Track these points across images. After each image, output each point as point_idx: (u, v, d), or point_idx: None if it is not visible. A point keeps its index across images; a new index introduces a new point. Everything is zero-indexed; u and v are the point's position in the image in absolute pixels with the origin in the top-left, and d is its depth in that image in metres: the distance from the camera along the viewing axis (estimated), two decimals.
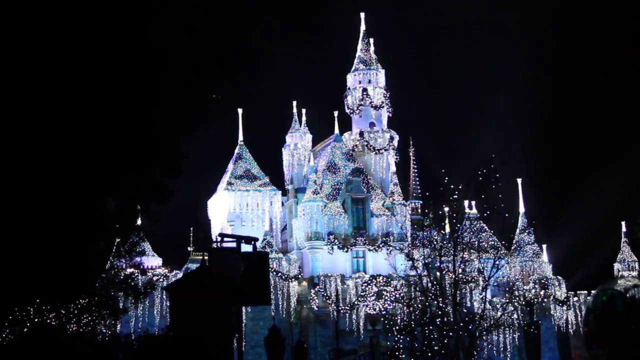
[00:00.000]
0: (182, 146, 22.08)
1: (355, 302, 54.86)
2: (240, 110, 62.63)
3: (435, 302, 44.96)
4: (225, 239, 17.70)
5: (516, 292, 55.16)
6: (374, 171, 62.08)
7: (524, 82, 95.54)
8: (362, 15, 65.89)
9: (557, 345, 59.07)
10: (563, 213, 78.43)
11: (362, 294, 55.06)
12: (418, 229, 56.75)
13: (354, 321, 54.75)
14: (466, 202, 51.72)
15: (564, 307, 60.41)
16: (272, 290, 49.88)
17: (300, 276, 56.10)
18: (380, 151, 62.16)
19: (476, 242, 46.39)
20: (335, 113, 63.18)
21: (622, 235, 66.65)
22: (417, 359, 46.28)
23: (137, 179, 21.57)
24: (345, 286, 55.44)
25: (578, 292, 62.05)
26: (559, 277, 61.20)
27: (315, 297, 54.82)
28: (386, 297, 54.53)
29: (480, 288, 48.20)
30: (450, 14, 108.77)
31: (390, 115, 64.35)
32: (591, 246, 70.57)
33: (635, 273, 65.59)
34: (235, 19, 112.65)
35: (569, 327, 60.36)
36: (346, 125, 64.55)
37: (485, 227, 56.29)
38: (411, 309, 48.02)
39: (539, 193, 75.65)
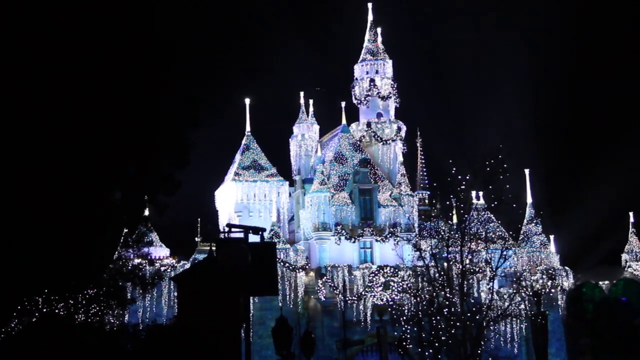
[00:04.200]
0: (189, 137, 22.08)
1: (363, 293, 54.89)
2: (247, 101, 62.59)
3: (443, 293, 45.01)
4: (233, 230, 17.72)
5: (523, 283, 55.12)
6: (381, 162, 62.02)
7: (532, 72, 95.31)
8: (370, 5, 65.72)
9: (564, 336, 59.03)
10: (570, 203, 78.34)
11: (370, 284, 55.08)
12: (425, 220, 56.78)
13: (361, 312, 54.78)
14: (473, 193, 51.74)
15: None
16: (279, 280, 49.96)
17: (307, 267, 56.14)
18: (388, 142, 62.06)
19: (483, 233, 46.40)
20: (343, 104, 63.14)
21: (630, 226, 66.51)
22: (424, 349, 46.37)
23: (144, 170, 21.59)
24: (352, 277, 55.47)
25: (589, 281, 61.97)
26: (567, 268, 61.08)
27: (323, 288, 54.86)
28: (393, 288, 54.53)
29: (488, 278, 48.20)
30: (458, 4, 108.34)
31: (398, 105, 64.24)
32: (599, 237, 70.49)
33: None
34: (242, 10, 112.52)
35: None
36: (353, 116, 64.52)
37: (493, 218, 56.25)
38: (418, 299, 48.07)
39: (547, 183, 75.51)
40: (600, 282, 61.34)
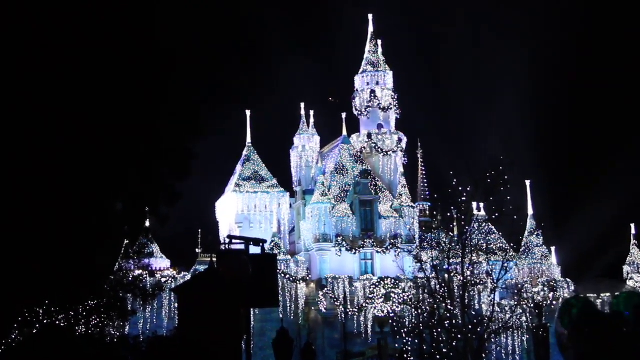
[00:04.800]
0: (190, 147, 22.04)
1: (364, 304, 54.78)
2: (248, 112, 62.73)
3: (444, 305, 44.83)
4: (234, 241, 17.68)
5: (525, 295, 54.96)
6: (382, 173, 62.00)
7: (532, 83, 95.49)
8: (370, 16, 65.89)
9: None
10: (572, 215, 78.26)
11: (370, 296, 54.97)
12: (426, 231, 56.66)
13: (362, 323, 54.67)
14: (474, 204, 51.63)
15: None
16: (280, 292, 49.87)
17: (308, 278, 56.06)
18: (388, 153, 62.09)
19: (485, 244, 46.24)
20: (343, 115, 63.23)
21: (632, 238, 66.39)
22: None
23: (145, 180, 21.54)
24: (353, 288, 55.37)
25: (587, 294, 61.81)
26: (568, 280, 61.00)
27: (324, 299, 54.75)
28: (394, 299, 54.43)
29: (489, 290, 48.09)
30: (458, 16, 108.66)
31: (398, 116, 64.33)
32: (600, 248, 70.41)
33: None
34: (244, 21, 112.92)
35: None
36: (354, 127, 64.58)
37: (494, 229, 56.07)
38: (419, 311, 47.91)
39: (548, 195, 75.47)
40: (602, 295, 61.22)
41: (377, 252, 57.77)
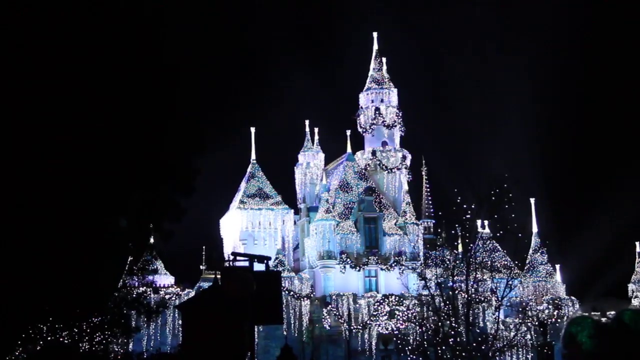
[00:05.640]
0: (194, 164, 22.11)
1: (368, 322, 54.65)
2: (252, 129, 62.86)
3: (448, 322, 44.74)
4: (238, 258, 17.68)
5: (529, 313, 54.82)
6: (387, 190, 62.02)
7: (537, 101, 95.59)
8: (375, 34, 66.12)
9: None
10: (576, 233, 78.07)
11: (375, 313, 54.85)
12: (430, 248, 56.61)
13: (366, 341, 54.51)
14: (479, 222, 51.62)
15: None
16: (284, 309, 49.75)
17: (312, 295, 55.97)
18: (393, 170, 62.12)
19: (489, 262, 46.22)
20: (348, 132, 63.28)
21: (637, 256, 66.17)
22: None
23: (149, 197, 21.59)
24: (357, 305, 55.26)
25: (592, 313, 61.57)
26: (573, 298, 60.77)
27: (328, 317, 54.65)
28: (398, 317, 54.28)
29: (493, 308, 47.93)
30: (462, 34, 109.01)
31: (403, 134, 64.38)
32: (605, 267, 70.14)
33: None
34: (249, 38, 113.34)
35: None
36: (358, 144, 64.62)
37: (498, 247, 56.07)
38: (424, 328, 47.80)
39: (552, 213, 75.32)
40: (607, 313, 60.94)
41: (381, 269, 57.69)
